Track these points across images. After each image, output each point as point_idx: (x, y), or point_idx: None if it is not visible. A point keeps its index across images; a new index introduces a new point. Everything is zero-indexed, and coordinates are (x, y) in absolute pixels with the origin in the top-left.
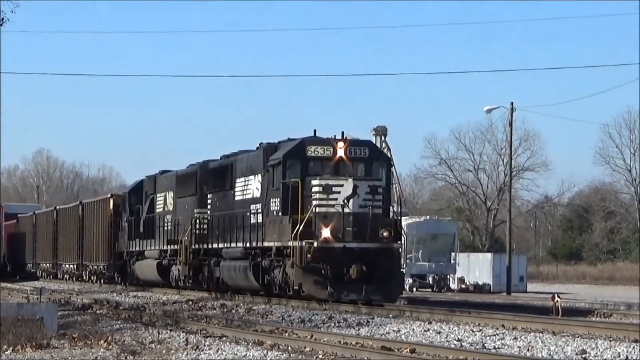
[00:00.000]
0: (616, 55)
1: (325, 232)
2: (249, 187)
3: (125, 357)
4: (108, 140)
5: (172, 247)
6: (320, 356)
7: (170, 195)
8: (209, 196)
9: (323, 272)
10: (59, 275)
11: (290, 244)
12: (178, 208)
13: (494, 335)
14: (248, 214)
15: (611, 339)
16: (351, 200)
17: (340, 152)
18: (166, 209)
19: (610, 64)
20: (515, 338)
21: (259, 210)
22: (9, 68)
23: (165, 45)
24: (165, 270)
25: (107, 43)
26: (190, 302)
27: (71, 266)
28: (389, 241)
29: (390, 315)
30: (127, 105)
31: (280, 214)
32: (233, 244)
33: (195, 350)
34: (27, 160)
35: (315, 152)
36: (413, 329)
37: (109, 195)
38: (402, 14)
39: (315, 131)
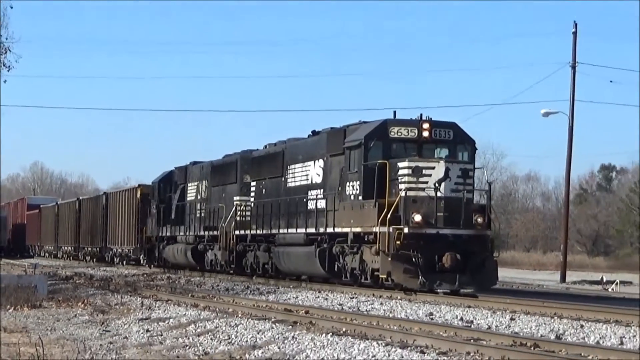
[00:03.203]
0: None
1: (417, 218)
2: (306, 173)
3: (97, 315)
4: (85, 152)
5: (210, 233)
6: (239, 315)
7: (203, 184)
8: (252, 184)
9: (414, 260)
10: (80, 257)
11: (375, 229)
12: (212, 196)
13: (367, 301)
14: (305, 199)
15: (451, 305)
16: (443, 184)
17: (425, 134)
18: (199, 197)
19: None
20: (382, 304)
21: (320, 196)
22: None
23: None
24: (200, 255)
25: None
26: (145, 275)
27: (93, 249)
28: (483, 228)
29: (291, 286)
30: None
31: (360, 198)
32: (292, 230)
33: (148, 310)
34: (25, 169)
35: (399, 134)
36: (307, 296)
37: (137, 186)
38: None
39: (395, 112)
